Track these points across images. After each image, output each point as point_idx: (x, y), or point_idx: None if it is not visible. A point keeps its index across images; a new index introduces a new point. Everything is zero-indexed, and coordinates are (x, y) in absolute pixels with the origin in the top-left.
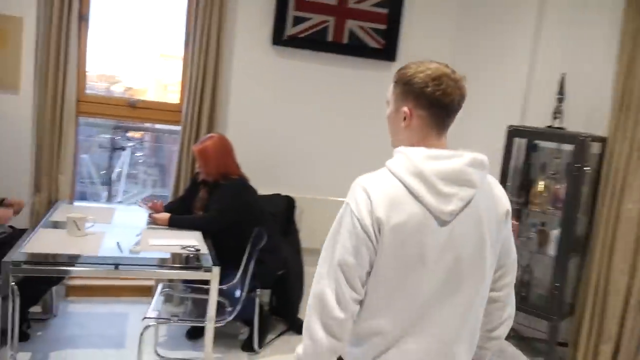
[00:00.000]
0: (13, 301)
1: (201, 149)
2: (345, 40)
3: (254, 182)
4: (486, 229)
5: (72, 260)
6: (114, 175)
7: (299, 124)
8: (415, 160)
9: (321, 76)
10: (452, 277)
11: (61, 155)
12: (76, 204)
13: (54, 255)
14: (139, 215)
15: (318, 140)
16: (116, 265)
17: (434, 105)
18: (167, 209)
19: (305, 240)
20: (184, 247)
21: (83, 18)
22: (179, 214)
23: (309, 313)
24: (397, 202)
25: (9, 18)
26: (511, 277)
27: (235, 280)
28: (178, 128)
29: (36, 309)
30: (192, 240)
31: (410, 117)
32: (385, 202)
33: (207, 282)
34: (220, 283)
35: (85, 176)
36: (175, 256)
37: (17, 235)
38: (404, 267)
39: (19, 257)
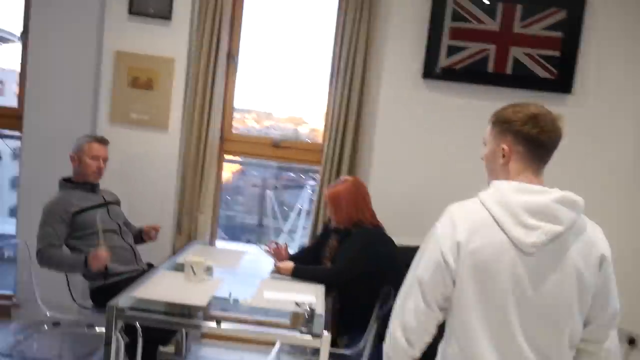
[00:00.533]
0: (130, 343)
1: (333, 194)
2: (509, 70)
3: (397, 231)
4: (573, 270)
5: (175, 310)
6: (292, 213)
7: (453, 166)
8: (504, 191)
9: (480, 112)
10: (530, 310)
11: (202, 194)
12: (218, 244)
13: (160, 304)
14: (267, 261)
15: (474, 184)
16: (218, 322)
17: (532, 142)
18: (294, 256)
19: None
20: (298, 304)
21: (231, 57)
22: (306, 263)
23: (394, 312)
24: (479, 228)
25: (161, 59)
26: (604, 334)
27: (362, 345)
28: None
29: (170, 348)
30: (309, 296)
31: (509, 154)
32: (467, 227)
33: None
34: (347, 346)
35: (269, 213)
36: (285, 315)
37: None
38: (481, 292)
39: (125, 301)
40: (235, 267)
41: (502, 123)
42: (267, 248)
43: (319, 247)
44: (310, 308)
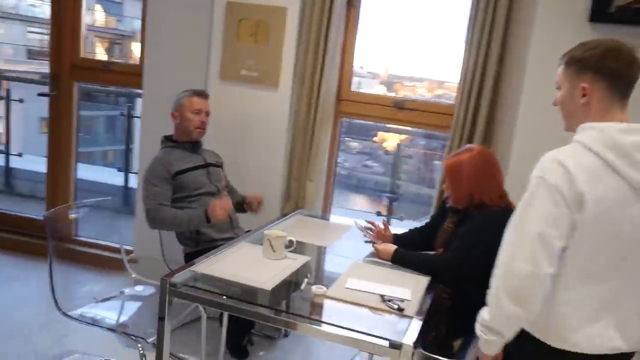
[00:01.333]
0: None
1: (452, 164)
2: None
3: None
4: None
5: (235, 291)
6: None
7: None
8: (610, 132)
9: None
10: None
11: (311, 160)
12: (333, 217)
13: (222, 281)
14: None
15: None
16: (277, 311)
17: (613, 76)
18: (399, 237)
19: None
20: (385, 300)
21: (352, 5)
22: (414, 247)
23: (497, 282)
24: (596, 176)
25: (272, 9)
26: None
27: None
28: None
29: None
30: (404, 290)
31: (591, 92)
32: (584, 175)
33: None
34: (457, 354)
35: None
36: (365, 312)
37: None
38: (602, 241)
39: (184, 276)
40: (329, 245)
41: (578, 61)
42: (361, 225)
43: (432, 230)
44: (399, 307)
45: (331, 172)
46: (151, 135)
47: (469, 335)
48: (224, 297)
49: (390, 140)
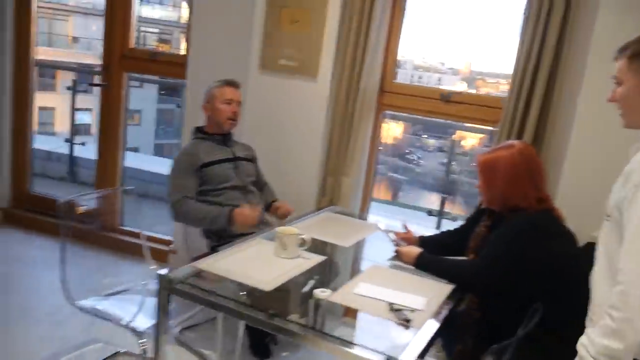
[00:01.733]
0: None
1: (487, 161)
2: None
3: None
4: None
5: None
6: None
7: None
8: None
9: None
10: None
11: (348, 154)
12: (372, 216)
13: (221, 279)
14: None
15: None
16: (272, 315)
17: None
18: (426, 240)
19: None
20: (393, 309)
21: None
22: (443, 251)
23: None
24: None
25: None
26: None
27: None
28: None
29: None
30: (418, 299)
31: None
32: None
33: None
34: None
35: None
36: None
37: None
38: None
39: (183, 272)
40: (349, 245)
41: None
42: (388, 230)
43: (464, 233)
44: (406, 318)
45: (371, 168)
46: (195, 125)
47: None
48: (217, 296)
49: (468, 138)
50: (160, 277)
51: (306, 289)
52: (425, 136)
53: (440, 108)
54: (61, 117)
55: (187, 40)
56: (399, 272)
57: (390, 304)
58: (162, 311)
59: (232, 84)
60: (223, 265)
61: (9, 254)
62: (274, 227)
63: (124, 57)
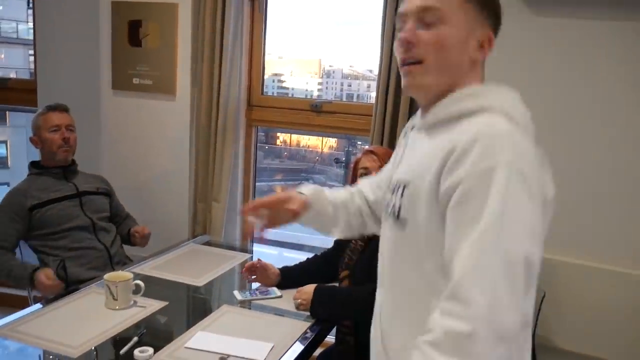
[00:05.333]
0: None
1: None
2: None
3: None
4: None
5: None
6: None
7: (568, 133)
8: (522, 110)
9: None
10: None
11: (215, 178)
12: (258, 246)
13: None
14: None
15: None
16: None
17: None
18: (289, 271)
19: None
20: None
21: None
22: (308, 281)
23: (490, 310)
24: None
25: (162, 6)
26: None
27: None
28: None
29: None
30: (263, 346)
31: (487, 50)
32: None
33: None
34: None
35: None
36: None
37: None
38: None
39: None
40: (204, 283)
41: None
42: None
43: (331, 256)
44: None
45: (248, 190)
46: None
47: None
48: None
49: None
50: None
51: (125, 349)
52: (360, 143)
53: (312, 119)
54: None
55: (34, 63)
56: (252, 312)
57: (223, 357)
58: None
59: (56, 108)
60: (30, 328)
61: None
62: (134, 264)
63: None
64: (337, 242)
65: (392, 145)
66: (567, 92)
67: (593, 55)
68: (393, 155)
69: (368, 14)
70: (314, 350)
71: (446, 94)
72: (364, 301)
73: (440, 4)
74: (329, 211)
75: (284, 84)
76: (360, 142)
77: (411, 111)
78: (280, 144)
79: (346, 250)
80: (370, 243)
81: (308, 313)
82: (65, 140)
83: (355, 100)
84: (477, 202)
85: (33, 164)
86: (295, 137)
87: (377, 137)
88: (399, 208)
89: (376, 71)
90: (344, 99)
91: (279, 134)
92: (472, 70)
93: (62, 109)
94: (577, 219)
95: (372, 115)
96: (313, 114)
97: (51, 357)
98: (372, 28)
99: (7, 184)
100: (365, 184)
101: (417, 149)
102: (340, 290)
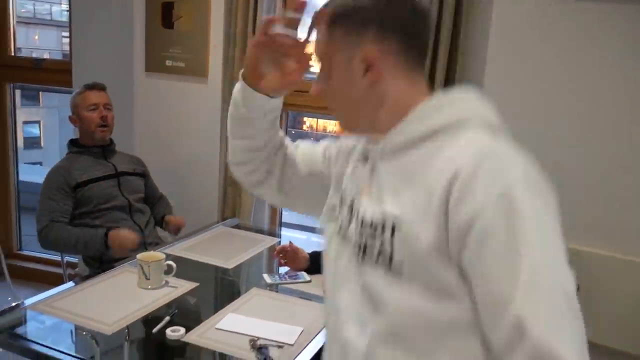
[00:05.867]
0: None
1: None
2: None
3: None
4: None
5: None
6: None
7: (596, 127)
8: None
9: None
10: None
11: None
12: (286, 231)
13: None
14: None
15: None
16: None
17: (406, 29)
18: (316, 257)
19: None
20: (254, 346)
21: None
22: None
23: None
24: None
25: None
26: None
27: None
28: None
29: None
30: (293, 330)
31: (379, 63)
32: None
33: None
34: None
35: None
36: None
37: None
38: None
39: (13, 315)
40: (233, 265)
41: (352, 15)
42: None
43: None
44: (266, 357)
45: None
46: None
47: None
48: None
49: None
50: None
51: (157, 328)
52: None
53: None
54: None
55: (70, 44)
56: (280, 296)
57: (253, 340)
58: None
59: (94, 87)
60: (62, 305)
61: None
62: (166, 245)
63: (3, 67)
64: None
65: None
66: (611, 81)
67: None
68: (331, 161)
69: None
70: None
71: (395, 122)
72: None
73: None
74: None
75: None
76: None
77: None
78: (307, 129)
79: None
80: None
81: None
82: (103, 118)
83: None
84: (507, 236)
85: (73, 143)
86: (322, 122)
87: None
88: (391, 252)
89: None
90: None
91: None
92: (388, 95)
93: (100, 87)
94: (609, 211)
95: None
96: None
97: (84, 332)
98: None
99: (40, 163)
100: (304, 149)
101: (379, 177)
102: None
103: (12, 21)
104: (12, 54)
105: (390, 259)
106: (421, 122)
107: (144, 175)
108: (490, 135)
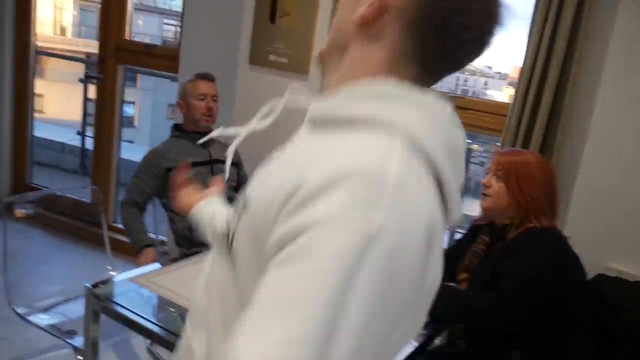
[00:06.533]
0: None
1: (522, 162)
2: None
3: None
4: None
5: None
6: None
7: None
8: (443, 118)
9: None
10: None
11: None
12: None
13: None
14: None
15: None
16: None
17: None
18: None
19: None
20: None
21: None
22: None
23: None
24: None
25: None
26: None
27: None
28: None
29: None
30: None
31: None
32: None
33: None
34: None
35: None
36: None
37: None
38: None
39: (121, 286)
40: None
41: None
42: None
43: (451, 256)
44: None
45: None
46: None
47: None
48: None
49: None
50: (88, 292)
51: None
52: (470, 141)
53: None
54: (54, 106)
55: (181, 33)
56: None
57: None
58: (90, 334)
59: (205, 77)
60: (163, 281)
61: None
62: None
63: (118, 50)
64: (457, 242)
65: (525, 146)
66: None
67: None
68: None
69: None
70: (425, 348)
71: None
72: (483, 312)
73: None
74: None
75: None
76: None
77: (552, 113)
78: None
79: (467, 251)
80: (493, 247)
81: None
82: (209, 109)
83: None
84: (312, 272)
85: (176, 127)
86: None
87: (510, 138)
88: (232, 235)
89: (495, 68)
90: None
91: None
92: (365, 44)
93: (210, 78)
94: None
95: (505, 115)
96: None
97: (172, 309)
98: None
99: (132, 141)
100: None
101: (292, 151)
102: (458, 293)
103: (130, 7)
104: (128, 38)
105: (231, 242)
106: (341, 104)
107: (237, 164)
108: (403, 156)
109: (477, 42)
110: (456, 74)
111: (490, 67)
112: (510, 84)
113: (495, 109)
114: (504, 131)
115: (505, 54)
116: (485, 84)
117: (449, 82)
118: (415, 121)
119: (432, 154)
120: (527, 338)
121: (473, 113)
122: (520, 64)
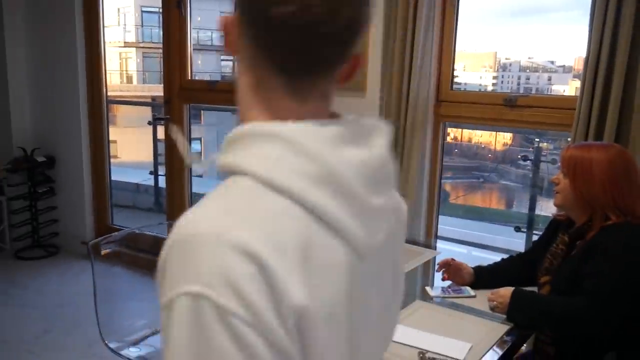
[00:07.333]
0: None
1: (582, 157)
2: None
3: None
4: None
5: None
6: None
7: None
8: (316, 146)
9: None
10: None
11: (402, 173)
12: (442, 244)
13: None
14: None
15: None
16: None
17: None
18: (483, 271)
19: None
20: (425, 358)
21: None
22: (501, 283)
23: None
24: (310, 252)
25: None
26: None
27: None
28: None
29: None
30: (459, 345)
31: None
32: (297, 262)
33: None
34: None
35: None
36: None
37: None
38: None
39: None
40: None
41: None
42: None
43: (530, 257)
44: None
45: (434, 188)
46: None
47: None
48: None
49: None
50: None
51: None
52: (538, 140)
53: (505, 114)
54: (127, 150)
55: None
56: (445, 310)
57: (422, 352)
58: None
59: None
60: None
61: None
62: None
63: (182, 89)
64: (536, 244)
65: (598, 138)
66: None
67: None
68: None
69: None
70: (512, 355)
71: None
72: (572, 317)
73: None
74: None
75: (456, 79)
76: (537, 139)
77: (623, 102)
78: (451, 141)
79: (547, 254)
80: (573, 247)
81: (504, 316)
82: None
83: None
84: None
85: None
86: (466, 132)
87: (581, 132)
88: None
89: (558, 62)
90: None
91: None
92: (239, 77)
93: None
94: None
95: (574, 109)
96: (506, 108)
97: None
98: (557, 17)
99: (201, 176)
100: None
101: None
102: (541, 298)
103: (190, 49)
104: (190, 78)
105: None
106: (220, 151)
107: None
108: (238, 204)
109: (311, 24)
110: (517, 72)
111: (552, 62)
112: (575, 76)
113: (562, 104)
114: (573, 125)
115: (567, 46)
116: (549, 79)
117: (510, 82)
118: (264, 164)
119: (290, 189)
120: (623, 337)
121: (538, 110)
122: (584, 55)
